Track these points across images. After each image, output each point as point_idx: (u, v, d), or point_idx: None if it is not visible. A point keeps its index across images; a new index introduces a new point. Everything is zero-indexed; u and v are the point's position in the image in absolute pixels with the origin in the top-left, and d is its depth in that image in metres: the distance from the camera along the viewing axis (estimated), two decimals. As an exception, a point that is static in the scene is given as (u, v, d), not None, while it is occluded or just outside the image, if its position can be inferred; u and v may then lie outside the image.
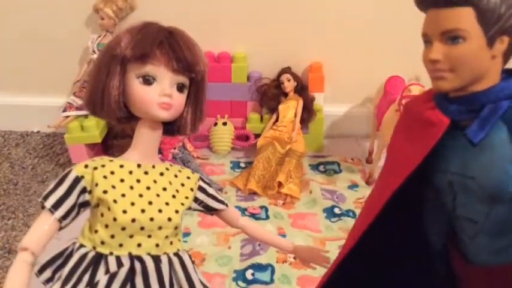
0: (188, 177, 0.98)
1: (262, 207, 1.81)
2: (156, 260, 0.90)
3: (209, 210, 1.03)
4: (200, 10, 2.03)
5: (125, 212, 0.87)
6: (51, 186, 0.88)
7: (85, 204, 0.89)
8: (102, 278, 0.86)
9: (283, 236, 1.66)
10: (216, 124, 2.14)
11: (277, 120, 2.07)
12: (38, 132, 2.24)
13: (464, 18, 0.76)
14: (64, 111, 1.99)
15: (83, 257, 0.88)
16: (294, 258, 1.58)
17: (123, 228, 0.87)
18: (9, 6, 2.08)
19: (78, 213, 0.90)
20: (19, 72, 2.19)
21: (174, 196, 0.93)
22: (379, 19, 2.04)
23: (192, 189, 0.98)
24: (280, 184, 1.87)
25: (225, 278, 1.50)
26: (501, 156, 0.79)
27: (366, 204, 1.00)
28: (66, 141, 1.92)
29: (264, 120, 2.13)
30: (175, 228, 0.93)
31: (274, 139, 1.99)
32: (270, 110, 2.12)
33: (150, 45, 0.86)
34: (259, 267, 1.54)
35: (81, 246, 0.89)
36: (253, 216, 1.76)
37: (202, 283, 0.96)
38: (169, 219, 0.91)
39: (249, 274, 1.52)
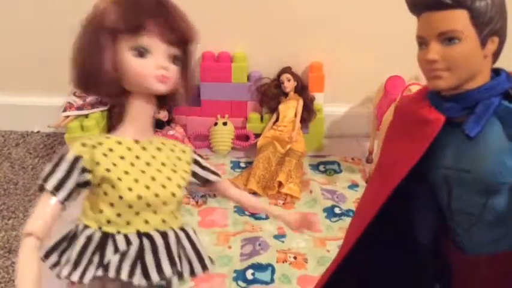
0: (183, 151, 0.97)
1: (262, 207, 1.81)
2: (164, 235, 0.89)
3: (204, 182, 1.01)
4: (200, 10, 2.02)
5: (130, 189, 0.85)
6: (49, 167, 0.85)
7: (85, 184, 0.87)
8: (112, 257, 0.84)
9: (283, 236, 1.66)
10: (216, 124, 2.14)
11: (277, 120, 2.06)
12: (38, 132, 2.24)
13: (460, 20, 0.81)
14: (64, 111, 1.99)
15: (90, 238, 0.85)
16: (295, 257, 1.58)
17: (130, 206, 0.86)
18: (9, 6, 2.08)
19: (78, 194, 0.87)
20: (19, 72, 2.19)
21: (174, 171, 0.92)
22: (379, 19, 2.04)
23: (188, 163, 0.96)
24: (280, 184, 1.87)
25: (225, 278, 1.50)
26: (496, 148, 0.84)
27: (360, 206, 1.03)
28: (66, 141, 1.92)
29: (264, 120, 2.13)
30: (178, 203, 0.92)
31: (275, 139, 1.99)
32: (270, 109, 2.12)
33: (143, 16, 0.83)
34: (259, 267, 1.54)
35: (86, 227, 0.87)
36: (254, 216, 1.76)
37: (208, 256, 0.96)
38: (173, 194, 0.89)
39: (249, 274, 1.52)
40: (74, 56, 0.90)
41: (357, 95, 2.23)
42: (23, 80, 2.21)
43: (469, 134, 0.85)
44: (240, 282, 1.49)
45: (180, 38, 0.87)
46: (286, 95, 2.08)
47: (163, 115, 1.95)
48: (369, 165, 2.04)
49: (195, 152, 1.00)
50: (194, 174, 0.98)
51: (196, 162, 0.99)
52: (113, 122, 2.08)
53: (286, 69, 2.09)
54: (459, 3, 0.80)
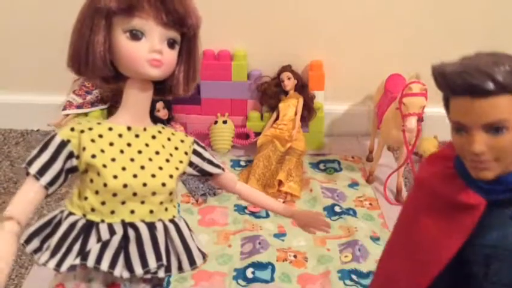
0: (182, 141, 0.94)
1: (262, 205, 1.81)
2: (151, 227, 0.85)
3: (204, 174, 0.98)
4: (200, 8, 2.02)
5: (115, 177, 0.82)
6: (35, 151, 0.83)
7: (73, 170, 0.85)
8: (94, 246, 0.82)
9: (284, 234, 1.66)
10: (216, 122, 2.13)
11: (277, 118, 2.06)
12: (37, 130, 2.23)
13: (506, 107, 0.74)
14: (64, 109, 1.99)
15: (73, 226, 0.83)
16: (295, 256, 1.58)
17: (115, 194, 0.83)
18: (9, 6, 2.07)
19: (65, 180, 0.85)
20: (19, 70, 2.19)
21: (167, 160, 0.89)
22: (379, 17, 2.04)
23: (186, 153, 0.93)
24: (280, 182, 1.86)
25: (225, 277, 1.50)
26: None
27: (387, 275, 0.95)
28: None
29: (264, 118, 2.13)
30: (170, 193, 0.89)
31: (275, 137, 1.99)
32: (270, 108, 2.12)
33: None
34: (259, 266, 1.53)
35: (70, 214, 0.84)
36: (254, 214, 1.76)
37: (200, 250, 0.92)
38: (164, 185, 0.86)
39: (249, 272, 1.51)
40: (71, 35, 0.87)
41: (357, 93, 2.23)
42: (22, 79, 2.21)
43: None
44: (240, 281, 1.49)
45: (177, 20, 0.83)
46: (286, 93, 2.08)
47: (163, 113, 1.95)
48: (369, 164, 2.03)
49: (197, 143, 0.96)
50: (193, 166, 0.95)
51: (196, 153, 0.95)
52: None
53: (287, 68, 2.09)
54: (504, 88, 0.73)
